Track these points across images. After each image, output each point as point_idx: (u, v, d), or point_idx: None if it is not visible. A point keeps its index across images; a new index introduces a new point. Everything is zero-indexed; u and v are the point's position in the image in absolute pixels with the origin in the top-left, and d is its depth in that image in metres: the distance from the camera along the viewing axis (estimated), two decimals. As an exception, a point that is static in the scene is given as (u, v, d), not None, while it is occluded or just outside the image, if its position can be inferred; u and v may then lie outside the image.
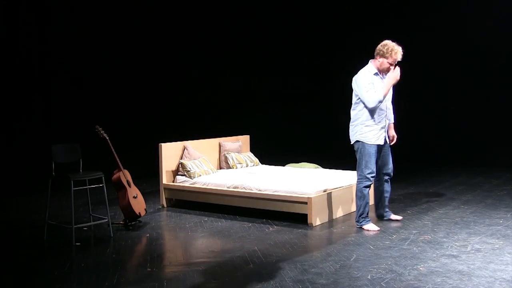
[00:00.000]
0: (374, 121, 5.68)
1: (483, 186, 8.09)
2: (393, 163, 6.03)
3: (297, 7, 11.92)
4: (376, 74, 5.69)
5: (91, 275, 4.49)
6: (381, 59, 5.65)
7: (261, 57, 12.03)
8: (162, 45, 10.17)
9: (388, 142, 5.93)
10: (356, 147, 5.81)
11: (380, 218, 6.13)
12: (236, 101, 11.52)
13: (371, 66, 5.72)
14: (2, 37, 8.04)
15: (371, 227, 5.73)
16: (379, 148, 5.82)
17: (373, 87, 5.61)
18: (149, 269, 4.60)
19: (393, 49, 5.59)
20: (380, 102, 5.60)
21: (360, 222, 5.80)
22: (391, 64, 5.62)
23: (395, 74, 5.57)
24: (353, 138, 5.82)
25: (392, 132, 6.04)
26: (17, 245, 5.53)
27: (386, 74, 5.69)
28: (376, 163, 5.82)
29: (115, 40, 9.43)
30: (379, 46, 5.69)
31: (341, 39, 11.47)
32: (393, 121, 6.07)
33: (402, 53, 5.64)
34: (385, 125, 5.79)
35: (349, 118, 5.88)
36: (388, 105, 5.85)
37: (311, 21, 11.93)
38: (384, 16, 10.79)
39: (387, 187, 6.04)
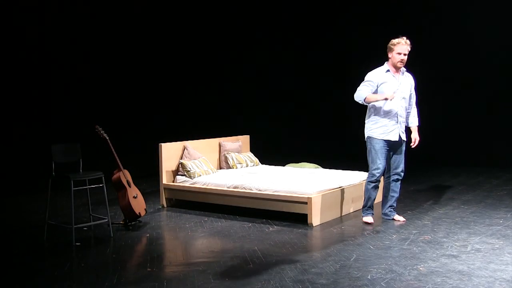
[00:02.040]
0: (382, 117, 5.85)
1: (483, 186, 8.08)
2: (404, 164, 6.07)
3: (298, 7, 11.92)
4: (387, 71, 5.87)
5: (91, 275, 4.49)
6: (391, 55, 5.87)
7: (261, 57, 12.02)
8: (162, 45, 10.17)
9: (403, 142, 5.95)
10: (367, 143, 5.99)
11: (384, 216, 6.15)
12: (236, 101, 11.52)
13: (385, 65, 5.93)
14: (2, 37, 8.04)
15: (366, 219, 6.04)
16: (391, 145, 5.89)
17: (367, 87, 5.82)
18: (149, 269, 4.60)
19: (399, 41, 5.82)
20: (360, 100, 5.81)
21: (362, 214, 6.11)
22: (400, 53, 5.79)
23: (389, 93, 5.71)
24: (365, 135, 6.00)
25: (415, 135, 6.11)
26: (17, 245, 5.53)
27: (400, 71, 5.91)
28: (387, 160, 5.96)
29: (115, 40, 9.43)
30: (388, 45, 5.91)
31: (342, 39, 11.47)
32: (417, 124, 6.17)
33: (408, 43, 5.83)
34: (396, 123, 5.85)
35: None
36: (402, 104, 5.89)
37: (312, 22, 11.92)
38: (385, 17, 10.79)
39: (395, 187, 6.06)
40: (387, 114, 5.82)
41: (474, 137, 10.14)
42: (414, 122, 6.14)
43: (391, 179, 6.04)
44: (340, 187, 6.45)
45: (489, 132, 10.06)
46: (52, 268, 4.69)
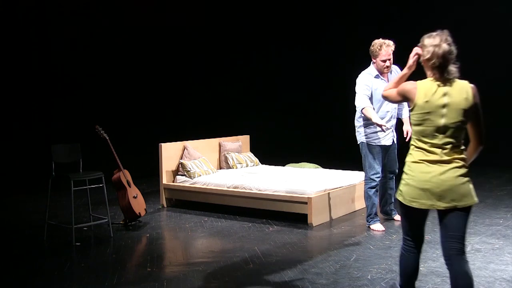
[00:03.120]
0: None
1: (483, 186, 8.07)
2: (398, 161, 6.01)
3: (298, 8, 11.92)
4: (377, 76, 5.64)
5: (91, 275, 4.49)
6: (375, 60, 5.62)
7: (261, 57, 12.02)
8: (162, 45, 10.17)
9: (395, 142, 5.84)
10: (360, 148, 5.81)
11: (385, 214, 6.14)
12: (236, 101, 11.52)
13: (372, 68, 5.68)
14: (2, 37, 8.04)
15: (376, 227, 5.77)
16: (385, 147, 5.79)
17: (367, 91, 5.56)
18: (149, 269, 4.60)
19: (381, 45, 5.53)
20: (358, 107, 5.56)
21: (369, 222, 5.86)
22: (384, 61, 5.54)
23: (381, 123, 5.35)
24: (358, 139, 5.81)
25: (407, 127, 5.76)
26: (17, 245, 5.53)
27: (386, 75, 5.66)
28: (382, 162, 5.81)
29: (115, 40, 9.43)
30: (370, 48, 5.64)
31: (341, 40, 11.46)
32: (408, 115, 5.84)
33: (391, 45, 5.54)
34: (390, 127, 5.71)
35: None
36: (395, 105, 5.71)
37: (311, 22, 11.92)
38: (386, 16, 10.78)
39: (392, 184, 6.04)
40: (382, 119, 5.60)
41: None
42: (406, 113, 5.89)
43: (387, 178, 6.01)
44: (340, 187, 6.45)
45: (489, 132, 10.03)
46: (52, 268, 4.69)
